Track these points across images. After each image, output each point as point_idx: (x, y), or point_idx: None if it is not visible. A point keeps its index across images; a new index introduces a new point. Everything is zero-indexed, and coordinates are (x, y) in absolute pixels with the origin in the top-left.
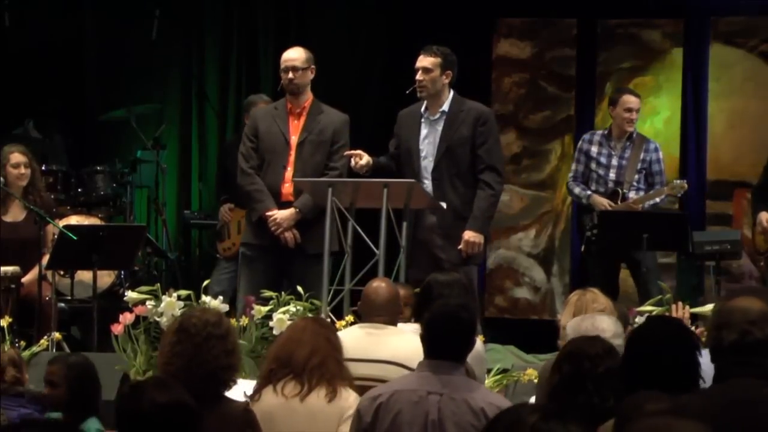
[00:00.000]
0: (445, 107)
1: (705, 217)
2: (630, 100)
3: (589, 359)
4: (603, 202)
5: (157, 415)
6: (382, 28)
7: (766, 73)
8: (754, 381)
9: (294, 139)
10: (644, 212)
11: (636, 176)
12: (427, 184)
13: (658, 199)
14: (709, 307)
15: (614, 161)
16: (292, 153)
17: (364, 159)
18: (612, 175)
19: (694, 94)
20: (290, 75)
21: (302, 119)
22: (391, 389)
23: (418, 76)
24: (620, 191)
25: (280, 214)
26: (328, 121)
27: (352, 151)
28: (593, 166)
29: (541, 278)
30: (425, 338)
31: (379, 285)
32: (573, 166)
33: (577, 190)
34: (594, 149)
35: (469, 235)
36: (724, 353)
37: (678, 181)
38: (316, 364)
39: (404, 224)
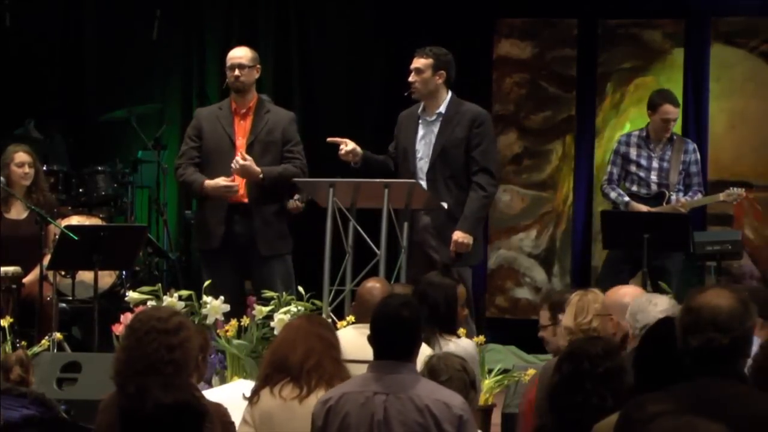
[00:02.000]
0: (442, 108)
1: (706, 217)
2: (669, 110)
3: (589, 359)
4: (642, 210)
5: (162, 415)
6: (382, 28)
7: (766, 73)
8: (721, 380)
9: (241, 141)
10: (645, 212)
11: (678, 178)
12: (423, 185)
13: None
14: None
15: (655, 163)
16: (239, 155)
17: (350, 145)
18: (653, 176)
19: (694, 95)
20: (236, 72)
21: (249, 119)
22: (341, 391)
23: (411, 78)
24: (666, 193)
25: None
26: (276, 120)
27: (337, 139)
28: (633, 168)
29: (542, 278)
30: (371, 339)
31: (374, 285)
32: (608, 168)
33: (613, 195)
34: (633, 151)
35: (458, 235)
36: (690, 354)
37: (736, 189)
38: (312, 365)
39: (405, 224)
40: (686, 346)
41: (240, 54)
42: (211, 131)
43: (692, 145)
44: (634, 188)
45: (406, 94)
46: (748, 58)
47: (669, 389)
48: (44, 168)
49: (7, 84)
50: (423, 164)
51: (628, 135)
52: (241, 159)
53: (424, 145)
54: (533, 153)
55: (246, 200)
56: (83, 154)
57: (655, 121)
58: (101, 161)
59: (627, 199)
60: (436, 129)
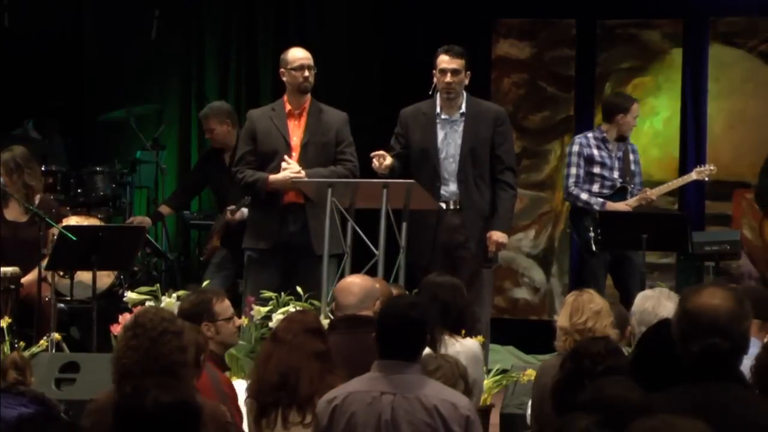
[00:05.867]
0: (464, 108)
1: (704, 217)
2: (638, 108)
3: (590, 358)
4: (622, 208)
5: (161, 414)
6: (382, 28)
7: (765, 73)
8: (724, 384)
9: (295, 141)
10: (644, 212)
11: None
12: (449, 186)
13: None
14: None
15: (616, 163)
16: (295, 155)
17: (388, 160)
18: (616, 175)
19: (693, 95)
20: (306, 73)
21: (303, 120)
22: (346, 391)
23: (448, 78)
24: (628, 188)
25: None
26: (331, 121)
27: (377, 152)
28: (596, 169)
29: (541, 279)
30: (377, 338)
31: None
32: (572, 171)
33: (584, 196)
34: (595, 152)
35: (497, 235)
36: (690, 359)
37: (707, 166)
38: (310, 388)
39: (404, 225)
40: (686, 350)
41: (308, 54)
42: (265, 133)
43: (635, 146)
44: (596, 188)
45: (430, 92)
46: (746, 58)
47: (670, 392)
48: (43, 168)
49: (5, 84)
50: (449, 164)
51: (586, 137)
52: (285, 164)
53: (448, 145)
54: (532, 153)
55: (301, 200)
56: (82, 154)
57: (626, 122)
58: (100, 161)
59: (602, 200)
60: (459, 128)
